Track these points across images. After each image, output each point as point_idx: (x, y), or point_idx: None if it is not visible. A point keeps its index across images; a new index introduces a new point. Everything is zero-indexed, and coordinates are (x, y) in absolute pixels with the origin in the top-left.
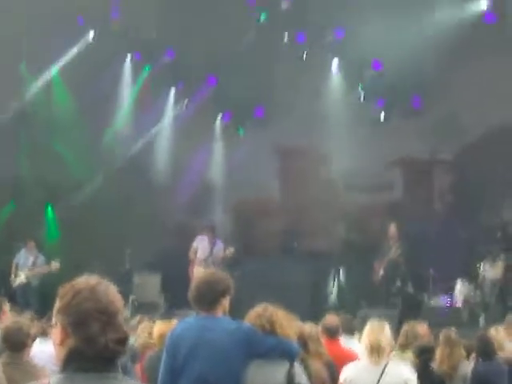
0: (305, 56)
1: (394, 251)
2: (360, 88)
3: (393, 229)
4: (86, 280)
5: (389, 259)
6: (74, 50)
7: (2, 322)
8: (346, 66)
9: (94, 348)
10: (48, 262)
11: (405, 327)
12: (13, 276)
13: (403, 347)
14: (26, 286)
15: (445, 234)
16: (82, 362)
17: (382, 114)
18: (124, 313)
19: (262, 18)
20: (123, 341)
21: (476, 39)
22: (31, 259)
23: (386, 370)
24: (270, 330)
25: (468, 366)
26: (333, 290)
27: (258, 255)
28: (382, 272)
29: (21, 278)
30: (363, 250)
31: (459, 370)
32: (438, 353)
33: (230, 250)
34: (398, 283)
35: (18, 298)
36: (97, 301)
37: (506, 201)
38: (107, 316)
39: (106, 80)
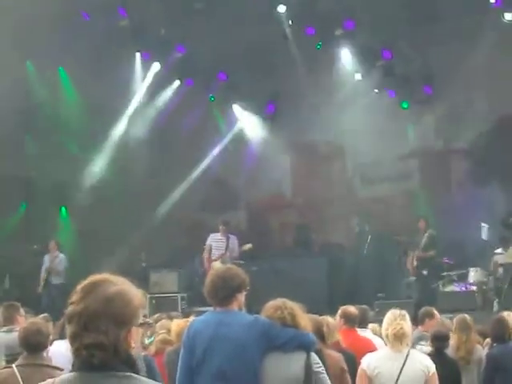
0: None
1: (422, 242)
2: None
3: (422, 223)
4: (86, 280)
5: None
6: (81, 48)
7: (18, 325)
8: (357, 58)
9: (72, 351)
10: (72, 262)
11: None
12: (42, 282)
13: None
14: (49, 287)
15: (459, 221)
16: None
17: (397, 104)
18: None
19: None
20: (97, 346)
21: (487, 25)
22: (50, 259)
23: (409, 357)
24: (292, 322)
25: (482, 351)
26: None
27: (273, 250)
28: (415, 263)
29: (44, 280)
30: (379, 242)
31: (474, 355)
32: (454, 339)
33: (248, 246)
34: (425, 273)
35: (43, 300)
36: (80, 304)
37: None
38: (82, 320)
39: (114, 78)
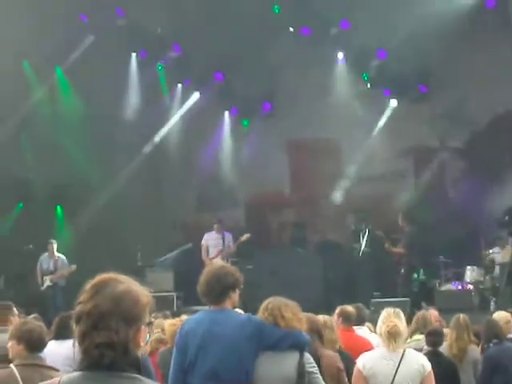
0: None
1: (401, 240)
2: (365, 78)
3: (399, 219)
4: (94, 280)
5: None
6: (79, 48)
7: (11, 325)
8: (351, 57)
9: (81, 350)
10: (69, 262)
11: (417, 314)
12: (40, 282)
13: (412, 332)
14: (53, 288)
15: (455, 220)
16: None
17: (393, 102)
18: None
19: (275, 10)
20: (108, 345)
21: (479, 24)
22: (52, 263)
23: (404, 356)
24: (273, 322)
25: (477, 351)
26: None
27: (270, 248)
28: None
29: (47, 283)
30: (375, 240)
31: (468, 354)
32: (448, 337)
33: (246, 236)
34: (402, 271)
35: (48, 300)
36: (89, 303)
37: None
38: (92, 319)
39: (112, 78)
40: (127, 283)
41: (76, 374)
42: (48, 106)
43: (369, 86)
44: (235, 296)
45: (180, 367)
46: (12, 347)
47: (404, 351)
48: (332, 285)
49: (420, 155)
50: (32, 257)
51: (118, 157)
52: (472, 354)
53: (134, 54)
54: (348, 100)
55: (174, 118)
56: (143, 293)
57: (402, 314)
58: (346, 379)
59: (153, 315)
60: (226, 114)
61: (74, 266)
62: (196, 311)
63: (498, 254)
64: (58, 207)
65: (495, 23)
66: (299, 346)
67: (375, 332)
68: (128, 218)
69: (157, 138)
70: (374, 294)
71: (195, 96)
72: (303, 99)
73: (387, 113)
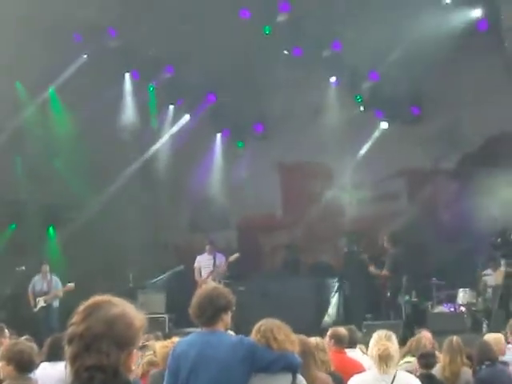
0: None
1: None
2: (358, 100)
3: (384, 241)
4: (88, 301)
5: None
6: (71, 69)
7: (2, 347)
8: (344, 78)
9: (72, 372)
10: (62, 283)
11: (411, 339)
12: (32, 304)
13: (404, 354)
14: (47, 309)
15: (448, 242)
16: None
17: (384, 124)
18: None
19: (266, 31)
20: (99, 368)
21: (471, 47)
22: (45, 284)
23: (396, 378)
24: (266, 345)
25: (470, 373)
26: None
27: (262, 270)
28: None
29: (41, 304)
30: (368, 262)
31: (461, 377)
32: (441, 359)
33: (235, 256)
34: (388, 294)
35: (41, 322)
36: (82, 325)
37: (506, 207)
38: (84, 341)
39: (105, 99)
40: (122, 306)
41: None
42: (41, 127)
43: (362, 108)
44: (227, 318)
45: None
46: (2, 368)
47: (395, 373)
48: (324, 307)
49: (413, 177)
50: (24, 278)
51: (111, 178)
52: (464, 377)
53: (127, 74)
54: (341, 122)
55: (166, 140)
56: (137, 316)
57: (394, 337)
58: None
59: (145, 336)
60: (219, 136)
61: (71, 285)
62: (188, 333)
63: (490, 277)
64: (51, 228)
65: (487, 46)
66: (292, 368)
67: (367, 354)
68: (120, 239)
69: (149, 160)
70: (367, 316)
71: (186, 118)
72: (296, 121)
73: (376, 134)
